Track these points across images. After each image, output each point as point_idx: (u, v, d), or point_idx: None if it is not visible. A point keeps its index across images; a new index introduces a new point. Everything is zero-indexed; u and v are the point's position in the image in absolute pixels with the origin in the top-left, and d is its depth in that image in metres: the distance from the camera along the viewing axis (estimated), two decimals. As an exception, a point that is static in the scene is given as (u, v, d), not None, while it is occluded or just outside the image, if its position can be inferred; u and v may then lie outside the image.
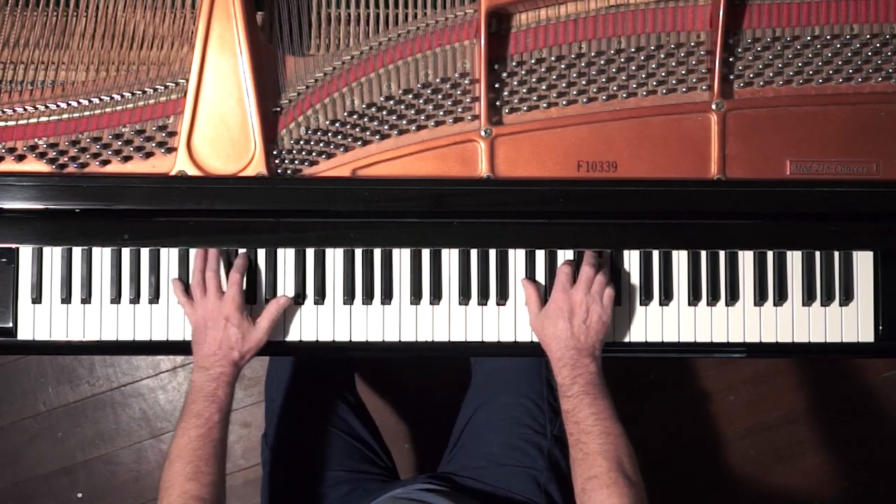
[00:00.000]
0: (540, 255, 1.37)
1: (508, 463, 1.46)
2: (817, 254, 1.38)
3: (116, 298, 1.35)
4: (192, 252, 1.34)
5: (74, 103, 1.31)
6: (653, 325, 1.38)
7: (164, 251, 1.35)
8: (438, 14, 1.35)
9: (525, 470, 1.45)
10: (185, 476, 1.21)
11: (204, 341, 1.29)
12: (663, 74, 1.34)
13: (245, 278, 1.33)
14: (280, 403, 1.56)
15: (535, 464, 1.46)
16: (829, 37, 1.35)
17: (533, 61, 1.33)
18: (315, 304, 1.36)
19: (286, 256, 1.36)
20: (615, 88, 1.33)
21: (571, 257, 1.37)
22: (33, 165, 1.30)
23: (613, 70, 1.34)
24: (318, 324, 1.36)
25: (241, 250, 1.34)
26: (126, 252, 1.35)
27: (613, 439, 1.21)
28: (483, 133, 1.32)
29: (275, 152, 1.32)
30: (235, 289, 1.30)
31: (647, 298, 1.37)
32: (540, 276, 1.37)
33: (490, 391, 1.56)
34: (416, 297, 1.36)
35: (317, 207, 1.31)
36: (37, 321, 1.34)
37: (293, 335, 1.36)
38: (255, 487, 2.18)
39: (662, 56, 1.34)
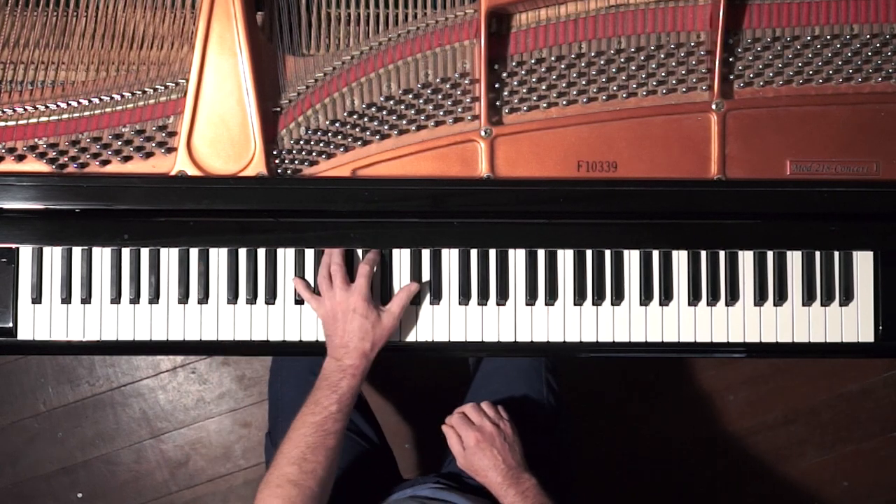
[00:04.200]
0: (540, 255, 1.37)
1: None
2: (817, 254, 1.38)
3: (116, 298, 1.35)
4: (192, 252, 1.34)
5: (74, 103, 1.31)
6: (653, 325, 1.38)
7: (164, 251, 1.35)
8: (438, 14, 1.34)
9: None
10: (289, 459, 1.22)
11: (335, 333, 1.30)
12: (663, 74, 1.34)
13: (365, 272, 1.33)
14: (286, 401, 1.56)
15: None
16: (829, 37, 1.34)
17: (533, 61, 1.33)
18: (315, 304, 1.36)
19: (286, 256, 1.36)
20: (615, 88, 1.33)
21: (571, 258, 1.37)
22: (33, 165, 1.30)
23: (613, 70, 1.34)
24: (318, 324, 1.36)
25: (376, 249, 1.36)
26: (126, 252, 1.35)
27: None
28: (483, 133, 1.32)
29: (275, 152, 1.32)
30: (363, 280, 1.31)
31: (647, 298, 1.37)
32: (540, 276, 1.36)
33: (490, 391, 1.56)
34: (415, 297, 1.36)
35: (317, 207, 1.31)
36: (37, 321, 1.34)
37: (293, 335, 1.36)
38: (255, 488, 2.17)
39: (662, 56, 1.34)
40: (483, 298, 1.37)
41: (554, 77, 1.33)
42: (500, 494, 1.32)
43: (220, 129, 1.31)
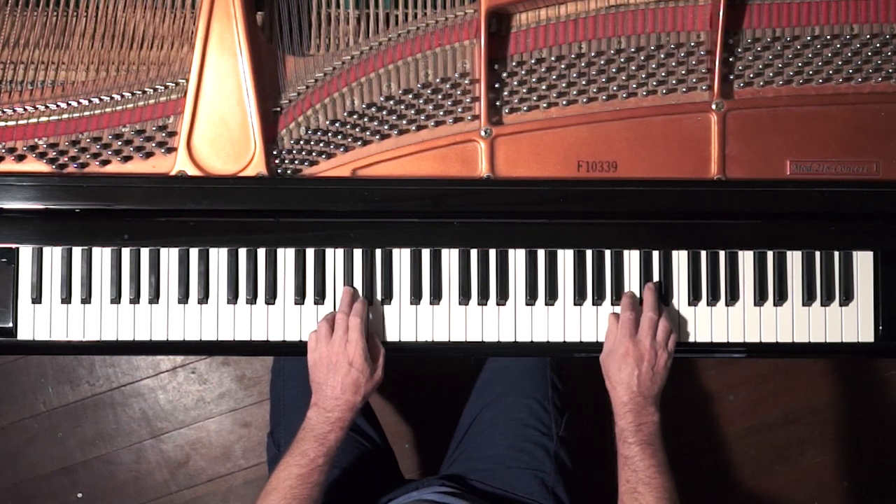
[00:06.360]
0: (540, 255, 1.37)
1: (515, 465, 1.46)
2: (817, 254, 1.38)
3: (116, 298, 1.35)
4: (192, 252, 1.34)
5: (74, 103, 1.31)
6: (653, 325, 1.37)
7: (164, 251, 1.35)
8: (438, 14, 1.35)
9: (532, 472, 1.45)
10: None
11: (326, 383, 1.28)
12: (663, 74, 1.34)
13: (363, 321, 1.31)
14: (288, 401, 1.56)
15: (541, 466, 1.46)
16: (829, 37, 1.35)
17: (533, 61, 1.33)
18: (315, 304, 1.36)
19: (286, 256, 1.36)
20: (615, 88, 1.34)
21: (571, 258, 1.37)
22: (33, 165, 1.30)
23: (613, 70, 1.34)
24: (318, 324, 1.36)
25: (360, 297, 1.34)
26: (126, 252, 1.35)
27: (669, 495, 1.23)
28: (483, 133, 1.32)
29: (275, 152, 1.32)
30: (358, 334, 1.28)
31: (647, 298, 1.37)
32: (540, 276, 1.36)
33: (494, 392, 1.56)
34: (416, 297, 1.36)
35: (317, 207, 1.32)
36: (37, 321, 1.34)
37: (293, 335, 1.36)
38: (255, 487, 2.18)
39: (662, 56, 1.34)
40: (483, 298, 1.37)
41: (554, 77, 1.33)
42: (618, 414, 1.29)
43: (220, 129, 1.31)
